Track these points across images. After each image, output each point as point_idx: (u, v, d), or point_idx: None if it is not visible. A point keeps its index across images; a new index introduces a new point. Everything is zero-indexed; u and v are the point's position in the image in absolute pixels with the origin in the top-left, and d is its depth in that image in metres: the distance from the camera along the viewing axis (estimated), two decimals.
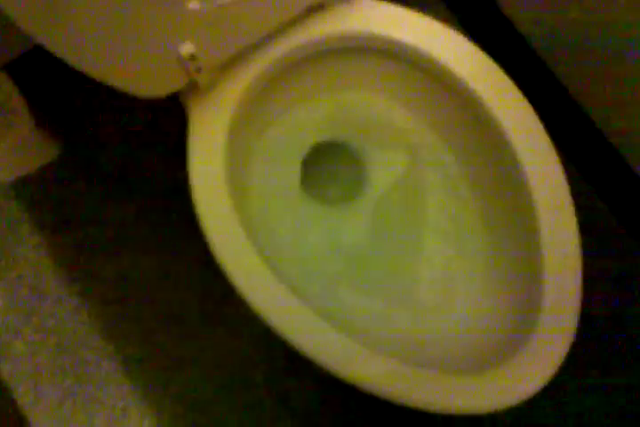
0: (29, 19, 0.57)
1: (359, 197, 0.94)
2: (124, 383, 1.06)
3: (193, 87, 0.77)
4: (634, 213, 1.12)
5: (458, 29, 0.81)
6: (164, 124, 1.13)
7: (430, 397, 0.70)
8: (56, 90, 1.14)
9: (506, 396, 0.71)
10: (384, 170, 0.94)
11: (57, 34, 0.60)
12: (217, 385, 1.07)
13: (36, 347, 1.06)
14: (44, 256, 1.08)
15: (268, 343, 1.08)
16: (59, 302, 1.08)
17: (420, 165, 0.92)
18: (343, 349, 0.71)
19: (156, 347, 1.07)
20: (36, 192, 1.09)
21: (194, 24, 0.68)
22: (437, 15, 0.82)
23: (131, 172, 1.11)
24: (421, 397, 0.70)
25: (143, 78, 0.71)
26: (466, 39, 0.80)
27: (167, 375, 1.07)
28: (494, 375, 0.71)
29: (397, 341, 0.84)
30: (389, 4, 0.81)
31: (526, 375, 0.71)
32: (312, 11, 0.79)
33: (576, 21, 0.96)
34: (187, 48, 0.70)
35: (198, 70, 0.73)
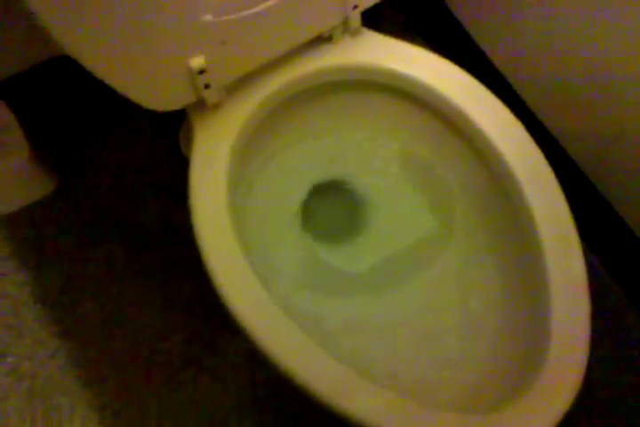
0: (56, 22, 0.58)
1: (363, 237, 0.93)
2: None
3: (200, 105, 0.78)
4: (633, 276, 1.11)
5: None
6: (163, 166, 1.13)
7: None
8: (56, 124, 1.15)
9: None
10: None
11: (76, 39, 0.61)
12: None
13: (6, 390, 1.00)
14: (26, 294, 1.04)
15: (254, 395, 1.02)
16: (37, 344, 1.03)
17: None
18: (338, 377, 0.67)
19: (135, 395, 1.01)
20: (25, 228, 1.07)
21: (206, 37, 0.70)
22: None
23: (123, 211, 1.10)
24: None
25: (153, 89, 0.72)
26: (470, 76, 0.82)
27: None
28: (495, 418, 0.67)
29: (399, 378, 0.80)
30: (393, 39, 0.83)
31: (527, 421, 0.66)
32: (320, 41, 0.82)
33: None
34: (198, 62, 0.71)
35: (207, 86, 0.74)
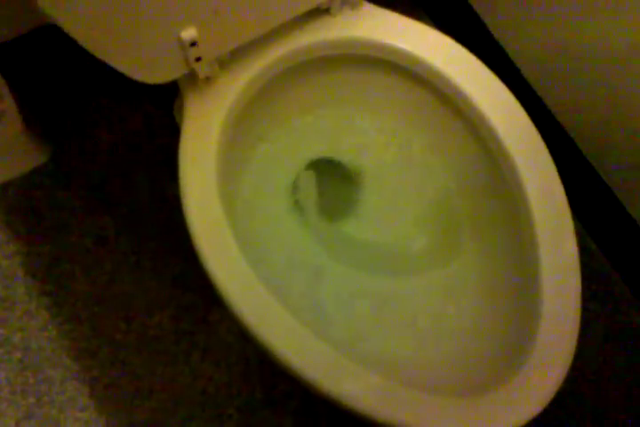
0: None
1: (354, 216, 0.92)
2: (87, 407, 0.99)
3: (192, 78, 0.76)
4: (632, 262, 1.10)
5: None
6: (158, 137, 1.12)
7: (416, 417, 0.65)
8: (50, 94, 1.13)
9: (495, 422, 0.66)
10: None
11: (64, 8, 0.59)
12: (187, 415, 1.00)
13: None
14: (17, 266, 1.04)
15: (245, 372, 1.02)
16: (28, 316, 1.02)
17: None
18: (328, 361, 0.67)
19: (126, 369, 1.01)
20: (17, 198, 1.06)
21: (198, 7, 0.67)
22: None
23: (117, 183, 1.08)
24: (406, 416, 0.65)
25: (143, 61, 0.69)
26: (471, 54, 0.80)
27: (134, 402, 1.00)
28: (485, 400, 0.66)
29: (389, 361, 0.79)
30: (393, 13, 0.81)
31: (517, 402, 0.66)
32: (317, 14, 0.79)
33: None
34: (189, 33, 0.69)
35: (198, 59, 0.72)
